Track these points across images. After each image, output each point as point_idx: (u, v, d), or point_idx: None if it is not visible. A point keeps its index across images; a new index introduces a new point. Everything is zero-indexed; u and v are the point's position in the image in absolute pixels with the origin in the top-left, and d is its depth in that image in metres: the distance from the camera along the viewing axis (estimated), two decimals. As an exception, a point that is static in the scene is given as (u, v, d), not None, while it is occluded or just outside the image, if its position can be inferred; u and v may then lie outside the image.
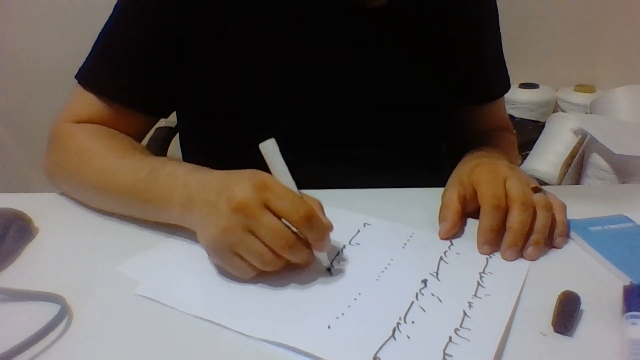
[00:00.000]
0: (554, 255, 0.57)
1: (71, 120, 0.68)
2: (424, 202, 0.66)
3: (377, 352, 0.42)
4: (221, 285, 0.51)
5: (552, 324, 0.46)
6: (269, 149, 0.49)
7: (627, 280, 0.51)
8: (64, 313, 0.46)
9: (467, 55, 0.79)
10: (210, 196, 0.51)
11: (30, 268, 0.55)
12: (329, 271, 0.52)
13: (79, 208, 0.65)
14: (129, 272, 0.53)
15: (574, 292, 0.48)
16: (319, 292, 0.50)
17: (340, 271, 0.53)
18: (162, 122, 1.02)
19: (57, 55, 1.75)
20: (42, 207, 0.64)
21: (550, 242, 0.58)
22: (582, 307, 0.48)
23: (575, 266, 0.56)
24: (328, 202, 0.66)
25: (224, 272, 0.52)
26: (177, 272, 0.53)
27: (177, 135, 0.94)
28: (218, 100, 0.73)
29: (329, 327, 0.45)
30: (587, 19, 1.92)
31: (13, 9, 1.73)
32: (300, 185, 0.69)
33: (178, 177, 0.55)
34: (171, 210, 0.55)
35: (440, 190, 0.65)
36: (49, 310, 0.46)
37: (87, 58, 0.70)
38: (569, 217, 0.61)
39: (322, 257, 0.52)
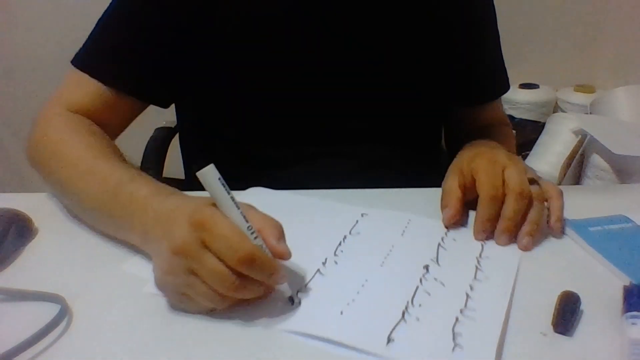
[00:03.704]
0: (554, 256, 0.57)
1: (61, 103, 0.68)
2: (422, 203, 0.66)
3: (391, 333, 0.44)
4: None
5: (552, 324, 0.46)
6: (208, 177, 0.44)
7: (627, 280, 0.51)
8: (64, 313, 0.46)
9: (465, 55, 0.79)
10: (158, 234, 0.48)
11: (30, 268, 0.55)
12: (291, 301, 0.48)
13: (79, 208, 0.65)
14: (134, 270, 0.53)
15: (574, 292, 0.48)
16: (327, 281, 0.52)
17: (334, 270, 0.53)
18: (162, 122, 1.03)
19: (57, 55, 1.75)
20: (42, 207, 0.64)
21: (546, 226, 0.60)
22: (582, 307, 0.48)
23: (575, 266, 0.56)
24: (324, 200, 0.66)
25: None
26: None
27: (177, 135, 0.94)
28: (216, 96, 0.74)
29: (341, 313, 0.47)
30: (587, 19, 1.92)
31: (14, 8, 1.73)
32: (296, 183, 0.69)
33: (138, 200, 0.53)
34: (131, 237, 0.54)
35: (437, 190, 0.66)
36: (49, 310, 0.46)
37: (84, 43, 0.70)
38: (569, 217, 0.62)
39: (282, 287, 0.47)
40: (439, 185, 0.66)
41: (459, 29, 0.77)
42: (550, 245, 0.59)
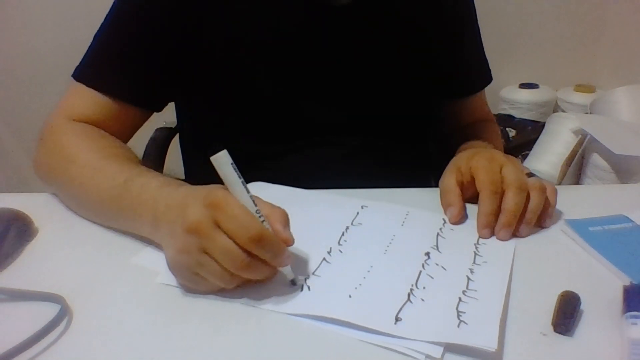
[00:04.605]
0: (554, 255, 0.57)
1: (65, 116, 0.69)
2: (418, 200, 0.67)
3: (398, 313, 0.47)
4: None
5: (552, 324, 0.46)
6: (221, 161, 0.47)
7: (627, 280, 0.51)
8: (64, 313, 0.46)
9: (446, 49, 0.80)
10: (171, 217, 0.50)
11: (30, 268, 0.55)
12: (293, 283, 0.50)
13: (79, 208, 0.65)
14: (144, 263, 0.54)
15: (574, 292, 0.48)
16: (333, 268, 0.54)
17: (337, 260, 0.55)
18: (162, 122, 1.03)
19: (57, 55, 1.75)
20: (42, 207, 0.64)
21: (539, 222, 0.61)
22: (582, 307, 0.48)
23: (575, 266, 0.56)
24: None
25: None
26: None
27: (177, 135, 0.94)
28: (212, 100, 0.75)
29: (350, 296, 0.49)
30: (587, 19, 1.92)
31: (13, 8, 1.73)
32: (288, 172, 0.70)
33: (149, 191, 0.55)
34: (141, 226, 0.56)
35: (431, 190, 0.68)
36: (49, 310, 0.46)
37: (83, 57, 0.71)
38: (569, 217, 0.62)
39: (285, 270, 0.50)
40: (427, 175, 0.69)
41: (438, 23, 0.78)
42: (551, 246, 0.59)
